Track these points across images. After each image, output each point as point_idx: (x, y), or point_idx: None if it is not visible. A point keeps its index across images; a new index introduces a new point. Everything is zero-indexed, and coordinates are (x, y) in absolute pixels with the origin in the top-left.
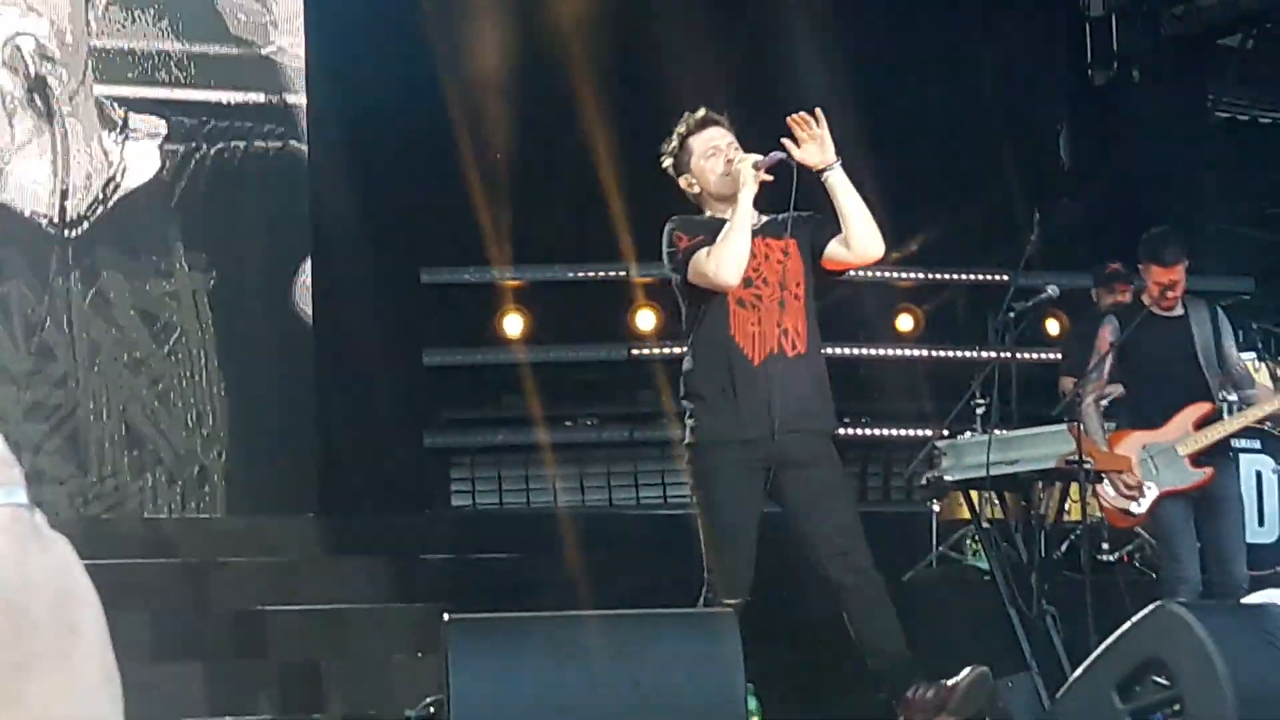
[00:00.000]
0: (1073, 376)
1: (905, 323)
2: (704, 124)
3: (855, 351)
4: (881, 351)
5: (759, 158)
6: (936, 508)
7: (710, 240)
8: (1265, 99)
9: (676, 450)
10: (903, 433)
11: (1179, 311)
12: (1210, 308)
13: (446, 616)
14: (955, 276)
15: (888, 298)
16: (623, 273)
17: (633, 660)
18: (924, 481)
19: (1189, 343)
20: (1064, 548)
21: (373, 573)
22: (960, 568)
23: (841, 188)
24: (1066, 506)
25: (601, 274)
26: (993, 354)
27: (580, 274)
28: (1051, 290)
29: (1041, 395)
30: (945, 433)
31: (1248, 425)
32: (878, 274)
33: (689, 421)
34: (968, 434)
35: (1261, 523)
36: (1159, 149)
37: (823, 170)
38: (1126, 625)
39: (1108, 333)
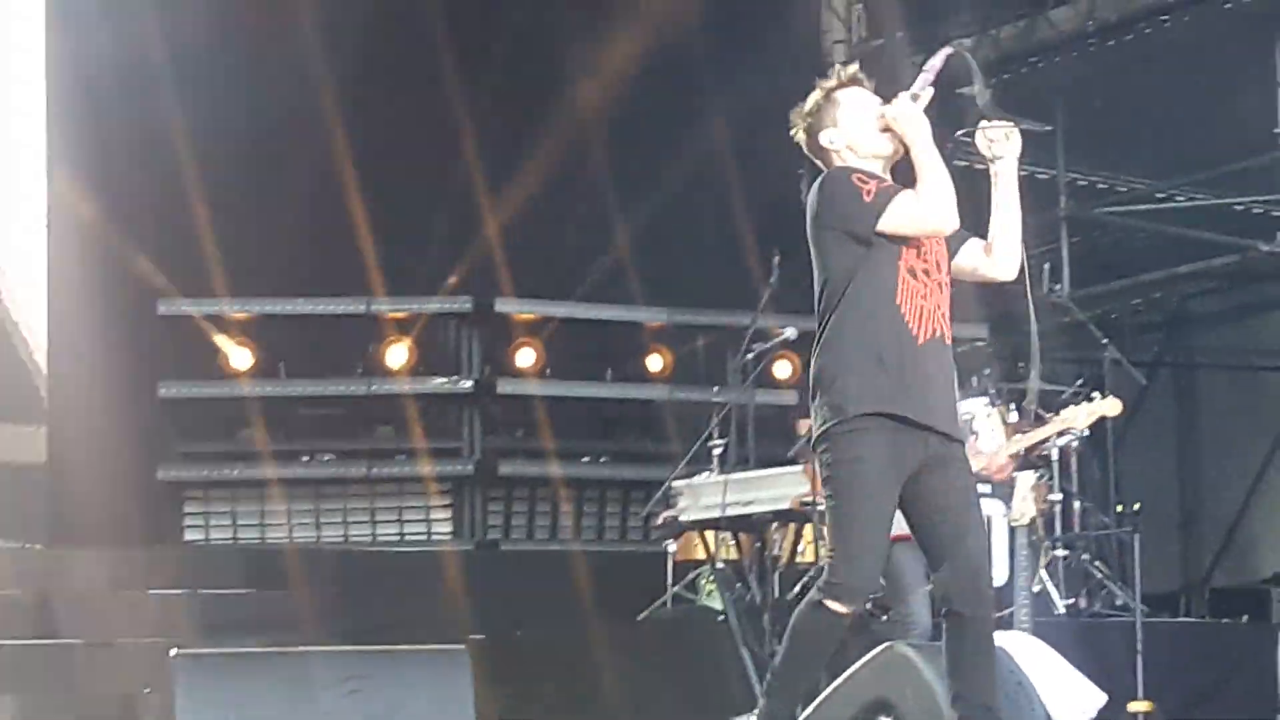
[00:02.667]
0: (808, 419)
1: (655, 363)
2: (854, 80)
3: (601, 391)
4: (626, 391)
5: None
6: (673, 547)
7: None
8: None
9: (413, 487)
10: (641, 473)
11: None
12: None
13: (174, 652)
14: (696, 319)
15: (637, 338)
16: (368, 307)
17: (364, 697)
18: (660, 521)
19: None
20: (797, 589)
21: (102, 607)
22: (695, 608)
23: (1011, 184)
24: (801, 547)
25: (343, 309)
26: (732, 395)
27: (320, 308)
28: (789, 332)
29: (779, 437)
30: (682, 473)
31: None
32: (626, 315)
33: (828, 397)
34: (704, 474)
35: (991, 566)
36: None
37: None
38: (855, 666)
39: None
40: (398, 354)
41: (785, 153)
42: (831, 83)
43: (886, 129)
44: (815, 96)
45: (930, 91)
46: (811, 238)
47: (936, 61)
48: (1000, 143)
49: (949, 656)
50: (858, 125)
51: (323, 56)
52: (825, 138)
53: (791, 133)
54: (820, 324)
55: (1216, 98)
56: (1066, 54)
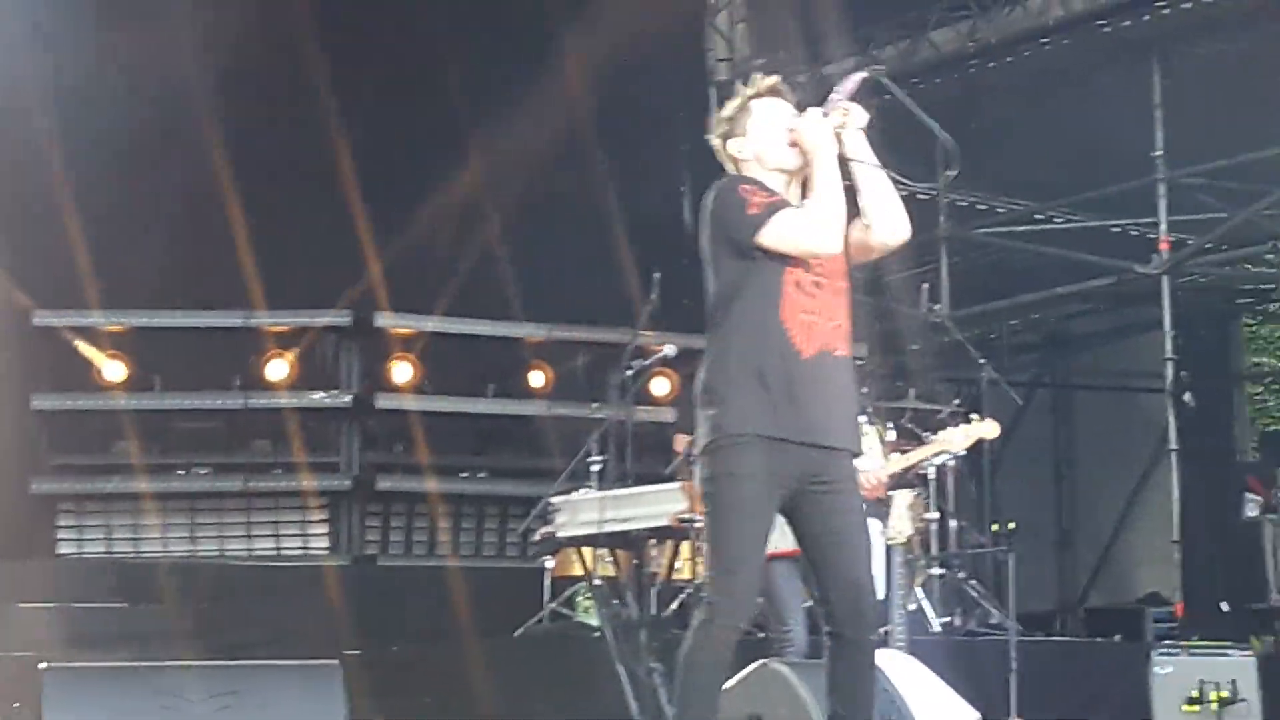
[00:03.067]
0: (687, 435)
1: (537, 379)
2: (773, 91)
3: (476, 407)
4: (504, 407)
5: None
6: (550, 564)
7: (783, 203)
8: (883, 167)
9: (290, 501)
10: (519, 488)
11: None
12: None
13: (44, 666)
14: (577, 336)
15: (519, 354)
16: (246, 320)
17: (234, 712)
18: (538, 537)
19: None
20: (674, 605)
21: None
22: (571, 624)
23: (866, 151)
24: (678, 564)
25: (221, 322)
26: (611, 412)
27: (198, 321)
28: (669, 350)
29: (657, 454)
30: (560, 489)
31: None
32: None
33: (710, 413)
34: (583, 491)
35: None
36: None
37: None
38: (730, 683)
39: None
40: (278, 368)
41: (667, 169)
42: (750, 91)
43: (794, 144)
44: (733, 104)
45: (845, 110)
46: (701, 248)
47: (849, 84)
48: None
49: (829, 676)
50: (766, 137)
51: (198, 71)
52: (734, 146)
53: (707, 137)
54: (710, 337)
55: (1095, 121)
56: (947, 75)
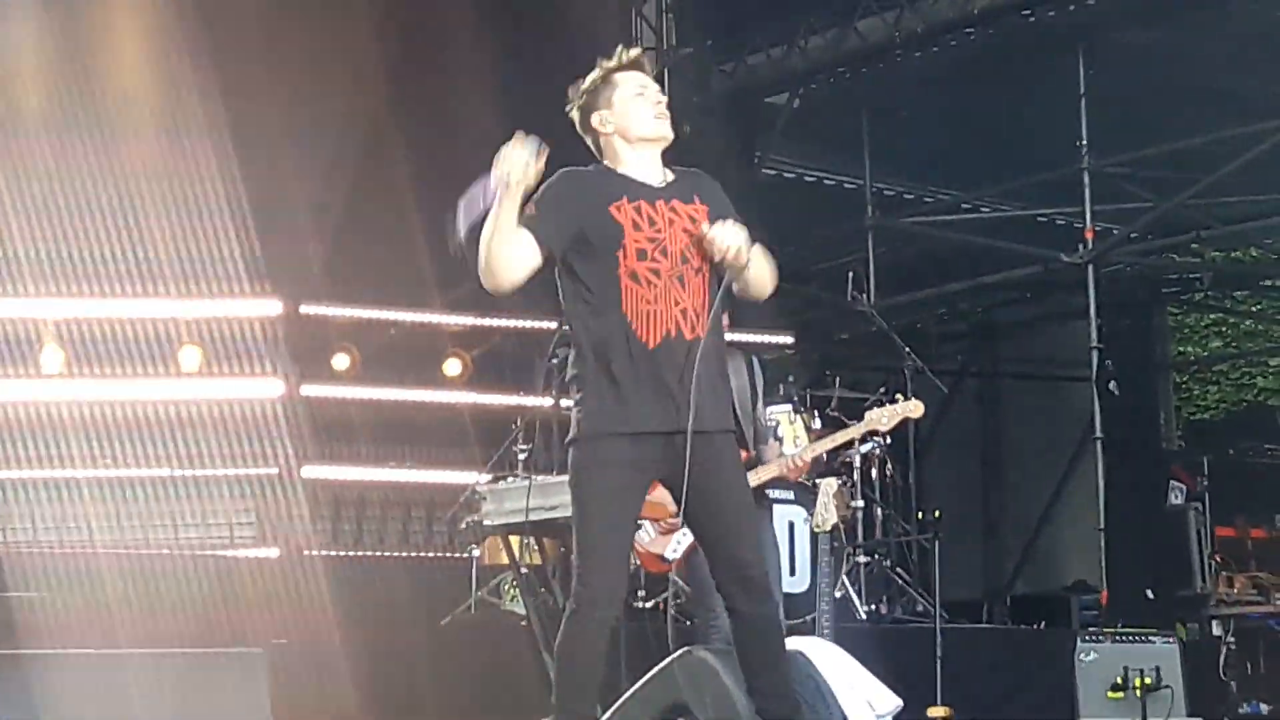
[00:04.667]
0: None
1: (453, 367)
2: (635, 64)
3: (401, 396)
4: (428, 396)
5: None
6: (477, 552)
7: (551, 212)
8: (809, 156)
9: (218, 490)
10: (445, 477)
11: None
12: (747, 358)
13: None
14: (504, 323)
15: (436, 342)
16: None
17: (159, 698)
18: (464, 526)
19: None
20: None
21: None
22: (498, 612)
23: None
24: None
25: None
26: (537, 399)
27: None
28: None
29: None
30: (487, 477)
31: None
32: (427, 319)
33: (574, 410)
34: (509, 479)
35: (793, 572)
36: None
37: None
38: (653, 670)
39: None
40: (190, 356)
41: (592, 158)
42: (612, 64)
43: (660, 115)
44: (593, 75)
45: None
46: None
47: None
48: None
49: (739, 654)
50: (631, 110)
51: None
52: (597, 118)
53: (566, 109)
54: (565, 329)
55: (1021, 110)
56: (873, 65)
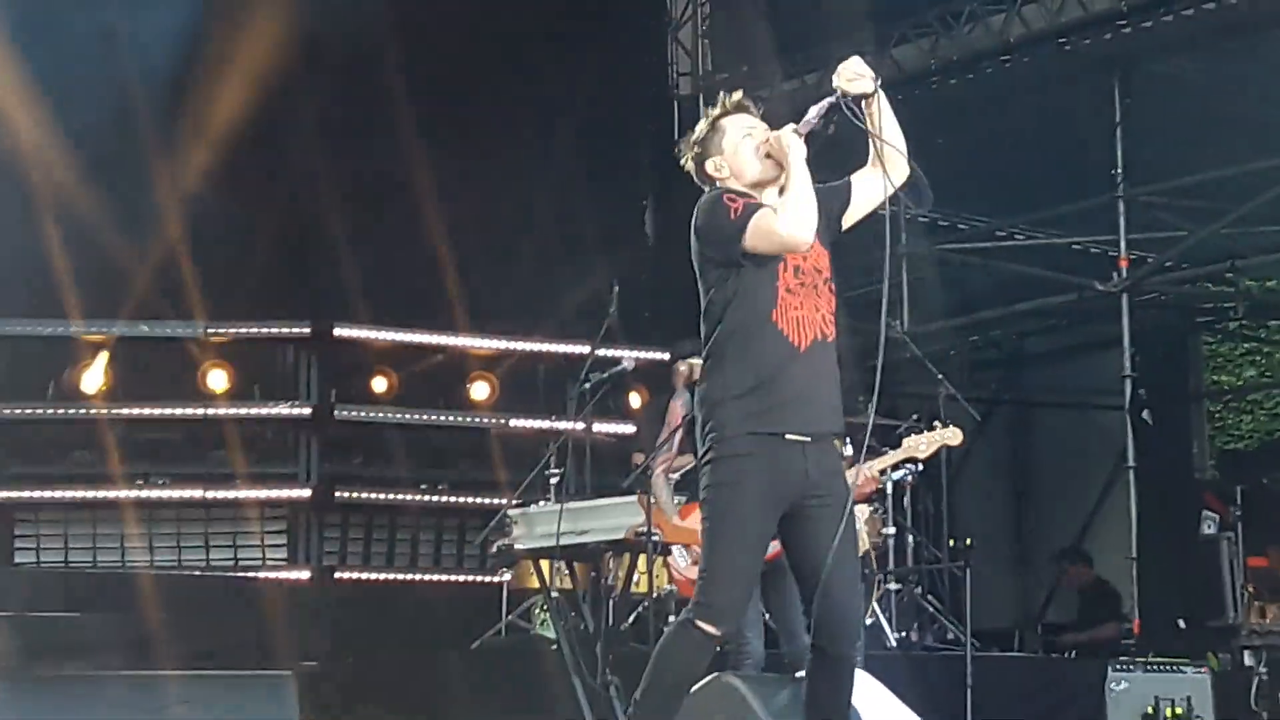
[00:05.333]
0: (643, 452)
1: (480, 391)
2: (739, 108)
3: (431, 418)
4: (458, 419)
5: (796, 125)
6: (507, 576)
7: (759, 204)
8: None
9: (249, 511)
10: (477, 500)
11: None
12: None
13: None
14: (536, 348)
15: (464, 366)
16: (197, 332)
17: None
18: (495, 550)
19: None
20: (632, 618)
21: None
22: (528, 637)
23: (886, 106)
24: (636, 578)
25: (177, 332)
26: (569, 424)
27: (158, 331)
28: (627, 363)
29: (615, 467)
30: (518, 501)
31: None
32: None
33: (709, 425)
34: (540, 503)
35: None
36: None
37: (872, 95)
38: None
39: (679, 406)
40: (217, 378)
41: (629, 183)
42: (717, 110)
43: (769, 155)
44: (702, 125)
45: (815, 126)
46: (695, 263)
47: (820, 106)
48: (858, 80)
49: (809, 688)
50: (742, 154)
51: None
52: (711, 165)
53: (681, 161)
54: (705, 349)
55: (1057, 137)
56: (909, 92)
